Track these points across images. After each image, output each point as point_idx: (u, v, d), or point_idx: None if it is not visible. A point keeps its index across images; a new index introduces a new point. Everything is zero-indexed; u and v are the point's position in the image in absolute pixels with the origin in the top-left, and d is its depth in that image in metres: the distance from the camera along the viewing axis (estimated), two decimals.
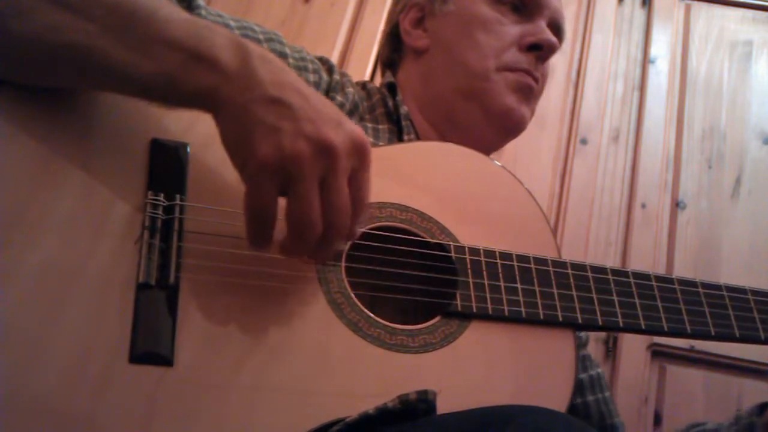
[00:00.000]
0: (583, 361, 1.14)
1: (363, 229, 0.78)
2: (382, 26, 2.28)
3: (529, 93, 1.13)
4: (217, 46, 0.70)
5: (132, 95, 0.73)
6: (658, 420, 1.88)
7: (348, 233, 0.72)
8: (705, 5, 2.43)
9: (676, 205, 2.14)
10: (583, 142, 2.21)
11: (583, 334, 1.18)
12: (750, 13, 2.42)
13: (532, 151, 2.17)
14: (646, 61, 2.34)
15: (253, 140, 0.67)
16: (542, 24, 1.14)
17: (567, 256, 0.92)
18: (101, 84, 0.73)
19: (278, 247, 0.72)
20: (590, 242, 2.09)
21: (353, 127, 0.72)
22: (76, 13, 0.68)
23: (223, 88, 0.69)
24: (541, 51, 1.13)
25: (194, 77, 0.69)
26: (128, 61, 0.68)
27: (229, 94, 0.69)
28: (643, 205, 2.13)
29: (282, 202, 0.69)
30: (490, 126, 1.13)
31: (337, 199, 0.69)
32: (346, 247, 0.80)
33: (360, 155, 0.71)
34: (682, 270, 2.02)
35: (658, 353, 1.96)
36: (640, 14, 2.43)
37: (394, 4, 1.28)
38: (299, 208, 0.68)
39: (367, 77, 2.18)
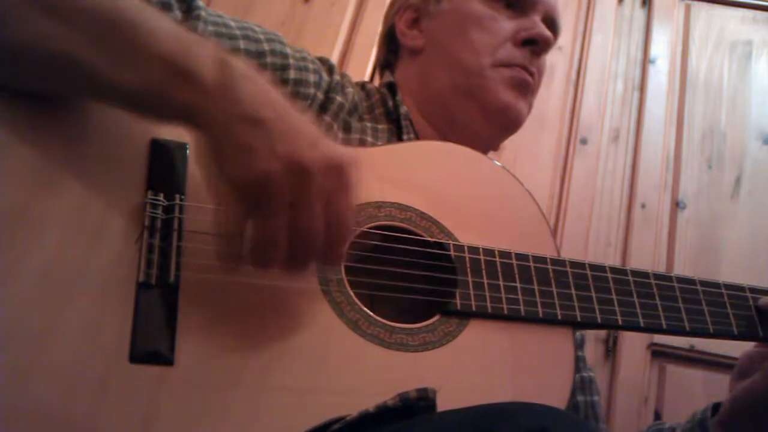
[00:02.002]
0: (576, 362, 1.14)
1: (363, 228, 0.78)
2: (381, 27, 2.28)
3: (526, 88, 1.13)
4: (200, 62, 0.69)
5: (117, 107, 0.72)
6: (658, 420, 1.88)
7: (328, 255, 0.72)
8: (705, 5, 2.43)
9: (676, 205, 2.14)
10: (583, 142, 2.21)
11: (578, 335, 1.18)
12: (750, 13, 2.42)
13: (532, 151, 2.17)
14: (646, 61, 2.34)
15: (225, 159, 0.67)
16: (536, 19, 1.14)
17: (567, 256, 0.92)
18: (86, 95, 0.74)
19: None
20: (590, 242, 2.09)
21: (332, 148, 0.71)
22: (64, 23, 0.68)
23: (202, 105, 0.68)
24: (536, 45, 1.13)
25: (175, 93, 0.68)
26: (112, 73, 0.68)
27: (207, 111, 0.68)
28: (643, 205, 2.13)
29: None
30: (488, 123, 1.13)
31: (303, 222, 0.68)
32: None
33: (337, 176, 0.70)
34: (681, 270, 2.03)
35: (657, 353, 1.96)
36: (640, 14, 2.44)
37: (390, 6, 1.28)
38: (262, 227, 0.68)
39: (366, 78, 2.18)
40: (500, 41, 1.12)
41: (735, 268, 2.02)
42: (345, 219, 0.71)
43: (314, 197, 0.68)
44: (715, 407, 1.01)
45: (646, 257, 2.05)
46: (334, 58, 2.21)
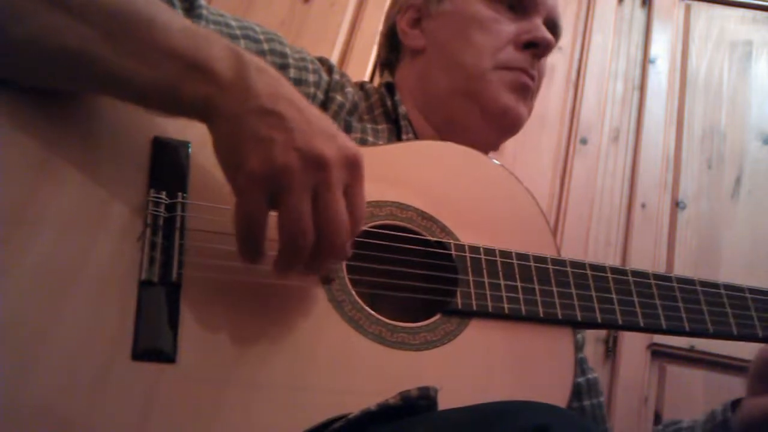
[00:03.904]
0: (580, 364, 1.14)
1: (364, 228, 0.78)
2: (382, 26, 2.28)
3: (526, 91, 1.13)
4: (213, 56, 0.70)
5: (128, 101, 0.73)
6: (658, 420, 1.88)
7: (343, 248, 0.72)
8: (705, 5, 2.43)
9: (676, 205, 2.14)
10: (583, 142, 2.22)
11: (579, 336, 1.18)
12: (750, 13, 2.42)
13: (532, 151, 2.17)
14: (646, 61, 2.34)
15: (243, 152, 0.67)
16: (538, 21, 1.14)
17: (567, 256, 0.92)
18: (98, 89, 0.74)
19: (273, 262, 0.71)
20: (590, 242, 2.09)
21: (346, 141, 0.72)
22: (75, 18, 0.68)
23: (218, 99, 0.69)
24: (538, 48, 1.13)
25: (190, 87, 0.69)
26: (125, 68, 0.69)
27: (224, 104, 0.69)
28: (643, 205, 2.13)
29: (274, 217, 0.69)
30: (488, 125, 1.13)
31: (329, 212, 0.69)
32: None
33: (352, 169, 0.71)
34: (681, 270, 2.03)
35: (658, 353, 1.96)
36: (640, 14, 2.44)
37: (391, 6, 1.28)
38: (289, 219, 0.68)
39: (366, 78, 2.18)
40: (502, 43, 1.12)
41: (735, 268, 2.02)
42: (358, 211, 0.72)
43: (334, 188, 0.69)
44: (733, 404, 1.01)
45: (646, 257, 2.05)
46: (334, 58, 2.21)
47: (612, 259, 2.06)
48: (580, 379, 1.12)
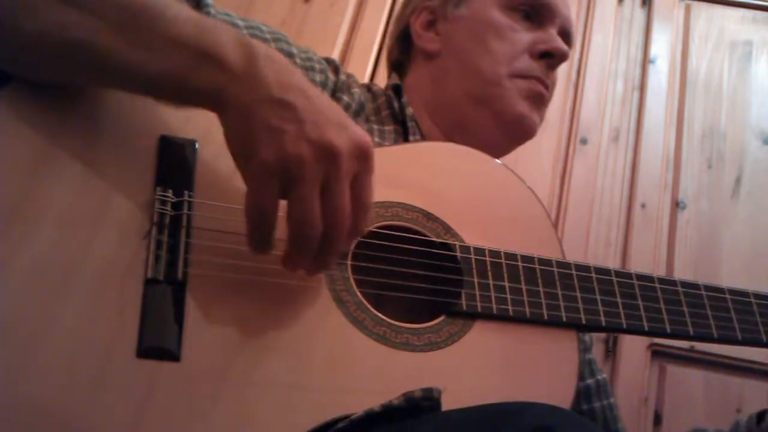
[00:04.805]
0: (589, 365, 1.14)
1: (369, 228, 0.78)
2: (382, 26, 2.28)
3: (540, 101, 1.14)
4: (223, 45, 0.70)
5: (139, 93, 0.73)
6: (658, 420, 1.88)
7: (351, 234, 0.73)
8: (705, 5, 2.43)
9: (676, 205, 2.14)
10: (583, 142, 2.21)
11: (587, 337, 1.18)
12: (750, 13, 2.42)
13: (532, 151, 2.17)
14: (646, 61, 2.34)
15: (255, 142, 0.68)
16: (553, 32, 1.15)
17: (567, 256, 0.92)
18: (108, 81, 0.74)
19: (282, 255, 0.72)
20: (590, 242, 2.09)
21: (357, 130, 0.72)
22: (84, 11, 0.69)
23: (229, 88, 0.69)
24: (553, 59, 1.14)
25: (200, 76, 0.69)
26: (135, 59, 0.69)
27: (234, 94, 0.69)
28: (643, 205, 2.13)
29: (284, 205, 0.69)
30: (501, 132, 1.13)
31: (337, 202, 0.69)
32: (353, 246, 0.80)
33: (363, 158, 0.71)
34: (682, 270, 2.03)
35: (658, 353, 1.96)
36: (640, 14, 2.43)
37: (404, 7, 1.27)
38: (299, 210, 0.68)
39: (367, 77, 2.18)
40: (518, 52, 1.12)
41: (735, 268, 2.02)
42: (368, 199, 0.73)
43: (343, 179, 0.69)
44: (759, 416, 1.01)
45: (646, 257, 2.05)
46: (334, 58, 2.21)
47: (612, 259, 2.06)
48: (590, 381, 1.12)
